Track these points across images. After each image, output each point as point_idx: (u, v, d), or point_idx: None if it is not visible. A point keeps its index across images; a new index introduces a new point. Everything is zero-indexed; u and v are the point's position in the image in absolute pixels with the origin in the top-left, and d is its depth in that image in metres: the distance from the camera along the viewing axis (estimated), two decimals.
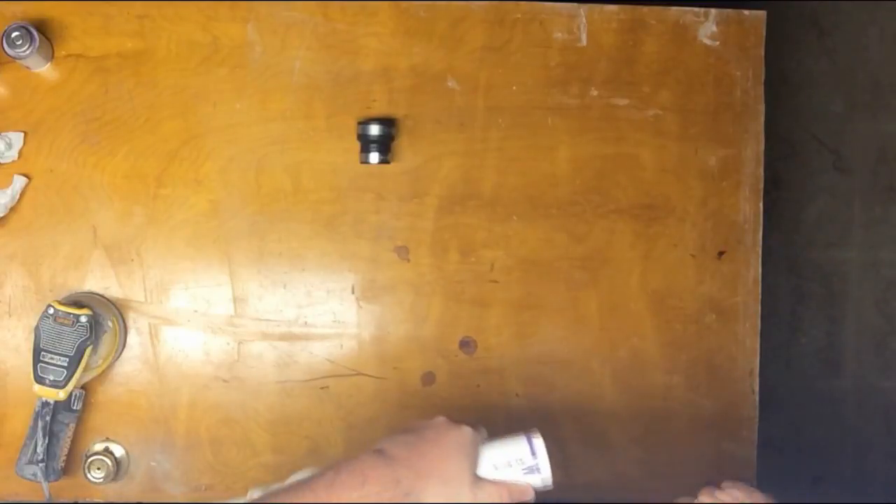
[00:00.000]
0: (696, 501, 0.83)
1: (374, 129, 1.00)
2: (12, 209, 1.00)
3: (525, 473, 0.76)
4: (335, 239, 1.05)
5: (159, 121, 1.03)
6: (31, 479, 0.95)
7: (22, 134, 1.00)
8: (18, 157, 1.00)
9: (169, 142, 1.03)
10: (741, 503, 0.80)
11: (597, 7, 1.08)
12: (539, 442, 0.76)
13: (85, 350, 0.93)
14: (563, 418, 1.08)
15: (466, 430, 0.75)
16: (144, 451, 1.03)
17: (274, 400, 1.05)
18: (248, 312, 1.04)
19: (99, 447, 1.02)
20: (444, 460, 0.72)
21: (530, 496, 0.76)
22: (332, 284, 1.05)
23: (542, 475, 0.76)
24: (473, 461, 0.74)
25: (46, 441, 0.95)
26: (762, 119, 1.11)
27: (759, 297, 1.11)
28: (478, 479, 0.74)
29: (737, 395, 1.11)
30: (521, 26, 1.07)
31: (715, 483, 0.85)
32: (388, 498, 0.68)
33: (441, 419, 0.76)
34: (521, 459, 0.76)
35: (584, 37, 1.08)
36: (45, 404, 0.94)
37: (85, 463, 1.00)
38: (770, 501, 0.80)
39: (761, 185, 1.11)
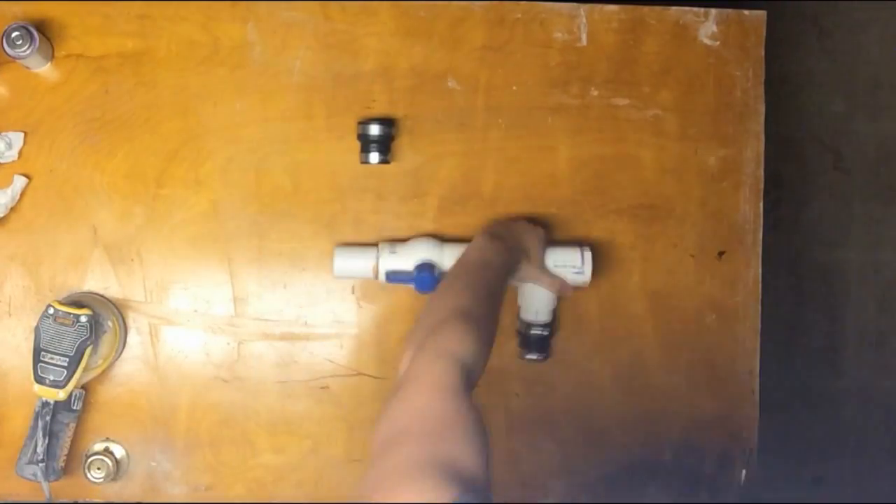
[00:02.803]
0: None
1: (374, 129, 1.00)
2: (12, 209, 1.00)
3: (573, 273, 1.00)
4: (335, 239, 1.05)
5: (159, 121, 1.03)
6: (31, 479, 0.95)
7: (22, 134, 1.01)
8: (18, 157, 1.00)
9: (169, 142, 1.03)
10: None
11: (597, 7, 1.08)
12: (588, 254, 1.01)
13: (85, 350, 0.93)
14: (563, 418, 1.08)
15: (541, 230, 1.00)
16: (144, 451, 1.03)
17: (274, 400, 1.05)
18: (248, 312, 1.04)
19: (99, 447, 1.02)
20: (531, 242, 0.98)
21: (570, 293, 1.00)
22: (332, 284, 1.05)
23: (584, 277, 1.01)
24: (544, 252, 0.99)
25: (46, 441, 0.95)
26: (762, 119, 1.11)
27: (759, 297, 1.11)
28: (544, 267, 0.99)
29: (737, 395, 1.10)
30: (521, 26, 1.07)
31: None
32: (503, 250, 0.92)
33: (523, 220, 1.02)
34: (574, 264, 1.00)
35: (584, 37, 1.08)
36: (45, 404, 0.94)
37: (85, 463, 1.00)
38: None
39: (761, 185, 1.11)
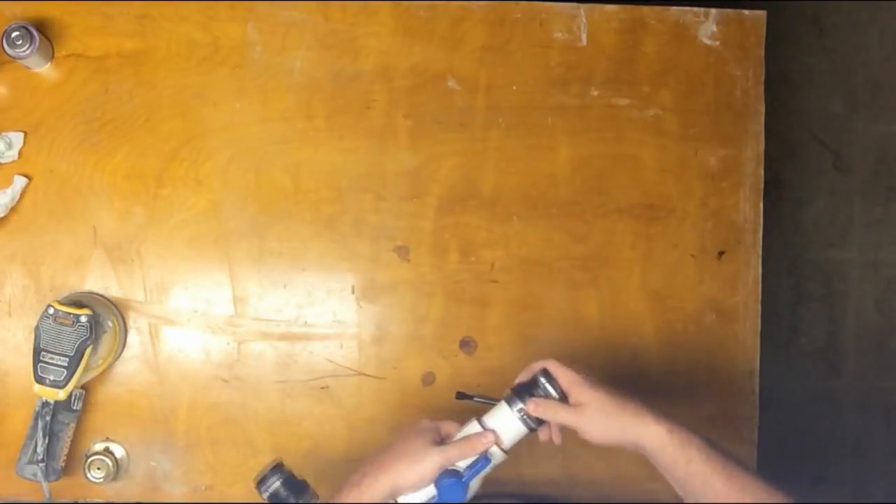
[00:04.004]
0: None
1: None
2: (12, 209, 1.00)
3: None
4: (335, 239, 1.05)
5: (159, 121, 1.03)
6: (31, 479, 0.95)
7: (22, 134, 1.01)
8: (18, 157, 1.00)
9: (169, 142, 1.03)
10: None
11: (597, 7, 1.08)
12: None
13: (85, 350, 0.93)
14: None
15: (422, 422, 0.85)
16: (144, 451, 1.03)
17: (274, 400, 1.05)
18: (248, 312, 1.04)
19: (99, 447, 1.02)
20: (402, 441, 0.82)
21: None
22: (332, 284, 1.05)
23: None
24: (429, 437, 0.82)
25: (46, 441, 0.95)
26: (762, 119, 1.11)
27: (759, 297, 1.11)
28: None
29: (737, 395, 1.10)
30: (521, 26, 1.07)
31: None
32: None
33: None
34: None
35: (584, 37, 1.08)
36: (45, 404, 0.94)
37: (85, 463, 1.00)
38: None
39: (761, 185, 1.11)
